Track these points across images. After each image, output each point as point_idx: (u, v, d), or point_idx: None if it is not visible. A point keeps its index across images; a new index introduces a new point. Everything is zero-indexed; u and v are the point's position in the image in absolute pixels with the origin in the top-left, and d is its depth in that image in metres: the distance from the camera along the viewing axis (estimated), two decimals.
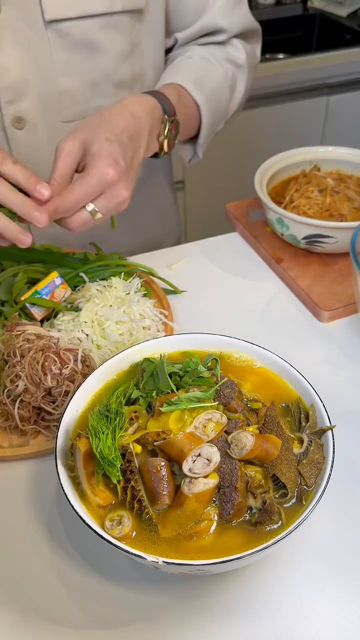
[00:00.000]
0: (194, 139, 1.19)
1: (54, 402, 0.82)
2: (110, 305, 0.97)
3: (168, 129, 1.01)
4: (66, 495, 0.64)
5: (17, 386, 0.81)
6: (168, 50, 1.22)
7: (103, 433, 0.66)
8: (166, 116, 1.01)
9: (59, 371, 0.81)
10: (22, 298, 0.96)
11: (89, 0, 0.99)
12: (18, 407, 0.81)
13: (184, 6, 1.13)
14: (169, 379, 0.71)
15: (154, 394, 0.71)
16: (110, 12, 1.02)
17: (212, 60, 1.16)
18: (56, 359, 0.82)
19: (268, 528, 0.64)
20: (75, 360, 0.84)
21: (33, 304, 0.95)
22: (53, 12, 0.98)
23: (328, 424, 0.70)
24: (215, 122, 1.17)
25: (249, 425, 0.70)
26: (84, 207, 0.87)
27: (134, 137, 0.93)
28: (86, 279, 1.01)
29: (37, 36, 1.00)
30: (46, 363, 0.82)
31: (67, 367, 0.82)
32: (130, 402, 0.72)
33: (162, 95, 1.02)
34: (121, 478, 0.65)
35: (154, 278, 1.07)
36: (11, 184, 0.82)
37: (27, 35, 0.99)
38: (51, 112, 1.09)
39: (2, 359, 0.85)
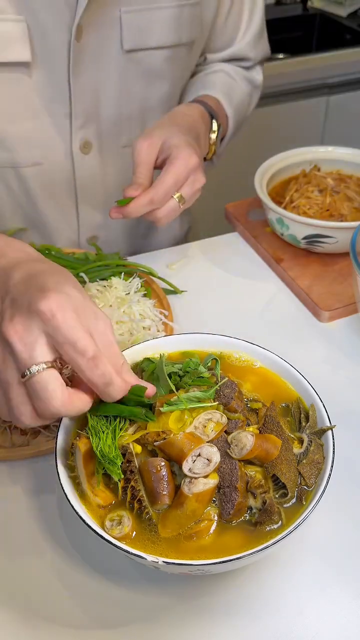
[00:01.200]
0: None
1: None
2: (110, 305, 0.97)
3: (217, 133, 1.11)
4: (66, 495, 0.64)
5: None
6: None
7: (103, 432, 0.66)
8: (214, 121, 1.10)
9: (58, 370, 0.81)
10: None
11: (161, 32, 1.05)
12: None
13: (218, 36, 1.22)
14: (168, 379, 0.71)
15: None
16: (178, 44, 1.08)
17: (236, 78, 1.24)
18: (59, 362, 0.81)
19: (268, 528, 0.64)
20: None
21: None
22: (131, 43, 1.02)
23: (328, 424, 0.70)
24: (234, 132, 1.24)
25: (249, 425, 0.70)
26: (173, 196, 0.93)
27: (197, 136, 1.01)
28: (86, 278, 1.01)
29: (113, 64, 1.03)
30: None
31: (68, 366, 0.82)
32: None
33: (206, 104, 1.11)
34: (122, 476, 0.65)
35: (154, 278, 1.07)
36: None
37: (103, 61, 1.02)
38: (113, 137, 1.12)
39: None
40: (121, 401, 0.67)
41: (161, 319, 0.99)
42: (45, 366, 0.59)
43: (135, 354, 0.79)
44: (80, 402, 0.62)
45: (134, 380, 0.65)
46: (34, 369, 0.58)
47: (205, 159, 1.09)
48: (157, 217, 0.94)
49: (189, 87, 1.21)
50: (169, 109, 1.14)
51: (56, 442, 0.69)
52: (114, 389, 0.63)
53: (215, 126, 1.11)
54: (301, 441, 0.70)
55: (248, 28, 1.23)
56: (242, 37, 1.24)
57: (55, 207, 1.16)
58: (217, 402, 0.70)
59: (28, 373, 0.58)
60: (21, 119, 1.03)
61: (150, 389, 0.67)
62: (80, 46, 0.99)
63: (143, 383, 0.66)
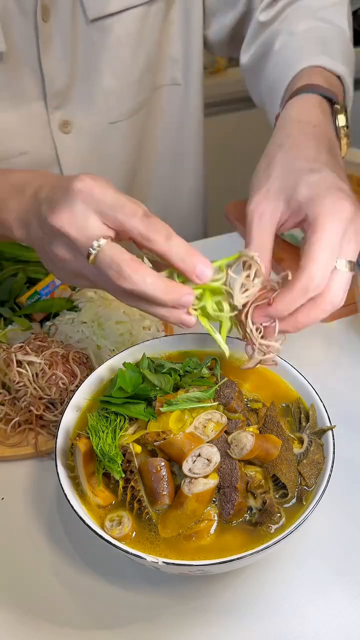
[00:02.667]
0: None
1: (53, 405, 0.82)
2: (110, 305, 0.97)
3: (346, 116, 0.80)
4: (66, 496, 0.64)
5: (23, 395, 0.82)
6: (240, 23, 1.07)
7: (103, 432, 0.66)
8: (337, 106, 0.80)
9: (64, 386, 0.81)
10: (22, 298, 0.96)
11: None
12: (20, 409, 0.82)
13: None
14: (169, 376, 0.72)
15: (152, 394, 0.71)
16: (150, 0, 0.97)
17: (316, 23, 0.95)
18: (63, 376, 0.82)
19: (268, 528, 0.64)
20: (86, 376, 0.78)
21: None
22: (95, 10, 0.95)
23: (328, 424, 0.70)
24: (353, 75, 0.93)
25: (249, 425, 0.70)
26: (335, 268, 0.65)
27: (332, 147, 0.73)
28: None
29: (82, 38, 0.98)
30: (54, 377, 0.81)
31: (74, 383, 0.82)
32: None
33: (316, 86, 0.81)
34: (123, 475, 0.65)
35: None
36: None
37: (72, 39, 0.98)
38: (98, 114, 1.07)
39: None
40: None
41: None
42: (105, 240, 0.59)
43: (135, 354, 0.79)
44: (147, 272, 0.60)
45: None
46: (95, 244, 0.58)
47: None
48: (326, 302, 0.67)
49: (270, 67, 0.95)
50: (153, 72, 1.06)
51: (56, 442, 0.69)
52: (177, 243, 0.61)
53: (341, 115, 0.80)
54: (301, 441, 0.70)
55: None
56: None
57: None
58: (217, 402, 0.70)
59: (93, 251, 0.59)
60: (1, 110, 1.00)
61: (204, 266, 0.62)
62: (48, 26, 0.94)
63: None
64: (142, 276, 0.59)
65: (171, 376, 0.73)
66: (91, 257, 0.59)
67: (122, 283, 0.59)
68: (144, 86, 1.07)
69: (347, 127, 0.80)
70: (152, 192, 1.27)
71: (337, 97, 0.82)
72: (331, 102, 0.80)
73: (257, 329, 0.66)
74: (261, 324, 0.65)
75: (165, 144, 1.21)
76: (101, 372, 0.77)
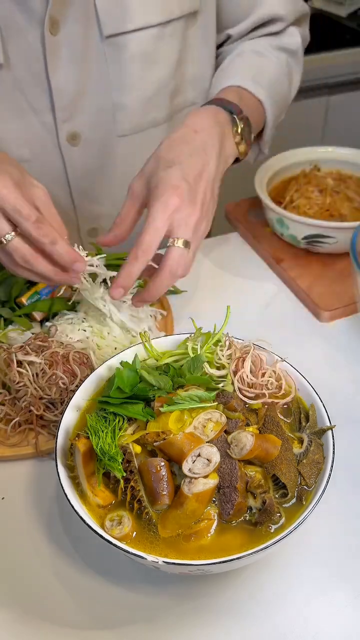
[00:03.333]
0: (257, 137, 1.12)
1: (53, 405, 0.82)
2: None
3: (241, 128, 0.96)
4: (66, 495, 0.64)
5: (23, 395, 0.81)
6: (218, 47, 1.18)
7: (102, 432, 0.66)
8: (234, 115, 0.95)
9: (64, 386, 0.81)
10: (22, 298, 0.96)
11: (146, 11, 0.97)
12: (20, 410, 0.82)
13: (234, 1, 1.08)
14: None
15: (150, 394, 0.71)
16: (168, 21, 1.00)
17: (264, 53, 1.10)
18: (63, 375, 0.82)
19: (268, 528, 0.64)
20: (86, 376, 0.79)
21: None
22: (111, 28, 0.96)
23: (328, 424, 0.70)
24: (278, 114, 1.12)
25: (248, 425, 0.70)
26: (174, 244, 0.84)
27: (198, 152, 0.88)
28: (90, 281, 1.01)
29: (94, 52, 0.99)
30: (54, 377, 0.81)
31: (74, 383, 0.82)
32: None
33: (222, 100, 0.97)
34: (124, 474, 0.65)
35: None
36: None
37: (83, 52, 0.98)
38: (106, 127, 1.07)
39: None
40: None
41: (158, 316, 0.99)
42: (10, 235, 0.79)
43: (136, 353, 0.79)
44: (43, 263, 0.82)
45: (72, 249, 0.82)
46: (4, 239, 0.80)
47: (238, 159, 1.00)
48: (165, 272, 0.84)
49: (213, 81, 1.11)
50: (170, 94, 1.08)
51: (56, 442, 0.69)
52: (61, 248, 0.80)
53: (238, 123, 0.96)
54: (301, 441, 0.70)
55: None
56: None
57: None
58: (216, 402, 0.70)
59: (3, 241, 0.80)
60: (4, 119, 1.01)
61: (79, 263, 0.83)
62: (57, 40, 0.95)
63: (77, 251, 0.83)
64: (39, 262, 0.81)
65: (167, 374, 0.73)
66: (1, 245, 0.80)
67: (23, 264, 0.81)
68: (155, 103, 1.09)
69: (242, 135, 0.97)
70: None
71: (241, 111, 0.97)
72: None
73: None
74: None
75: None
76: (101, 372, 0.77)
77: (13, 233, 0.79)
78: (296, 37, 1.16)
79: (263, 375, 0.75)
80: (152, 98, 1.08)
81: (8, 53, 0.95)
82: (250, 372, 0.74)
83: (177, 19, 1.01)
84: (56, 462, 0.67)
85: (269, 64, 1.09)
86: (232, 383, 0.73)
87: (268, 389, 0.74)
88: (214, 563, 0.59)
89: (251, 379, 0.74)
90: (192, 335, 0.79)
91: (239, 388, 0.73)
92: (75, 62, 0.98)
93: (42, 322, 0.97)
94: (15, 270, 0.84)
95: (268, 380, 0.74)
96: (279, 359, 0.77)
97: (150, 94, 1.07)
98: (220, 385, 0.73)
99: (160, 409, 0.68)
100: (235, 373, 0.74)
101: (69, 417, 0.72)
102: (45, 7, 0.92)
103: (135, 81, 1.03)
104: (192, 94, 1.14)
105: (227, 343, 0.77)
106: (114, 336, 0.93)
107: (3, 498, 0.77)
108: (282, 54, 1.13)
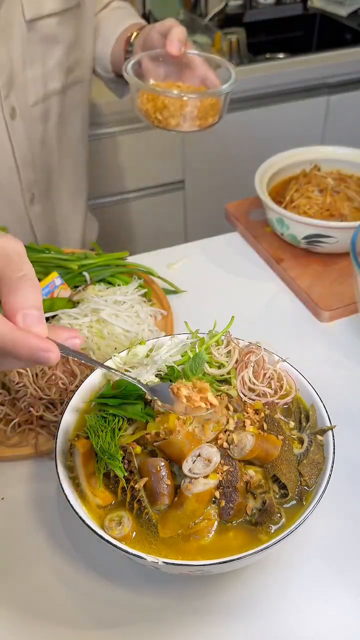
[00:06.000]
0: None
1: (53, 405, 0.82)
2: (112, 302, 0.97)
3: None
4: (66, 496, 0.64)
5: (23, 395, 0.81)
6: None
7: (102, 431, 0.66)
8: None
9: (64, 387, 0.81)
10: None
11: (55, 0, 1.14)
12: (20, 410, 0.82)
13: None
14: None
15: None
16: (69, 8, 1.17)
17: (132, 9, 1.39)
18: (63, 376, 0.82)
19: (268, 528, 0.64)
20: (86, 376, 0.78)
21: None
22: (31, 13, 1.11)
23: (328, 424, 0.70)
24: None
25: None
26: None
27: None
28: (88, 278, 1.01)
29: (19, 34, 1.12)
30: (53, 377, 0.81)
31: (74, 383, 0.82)
32: None
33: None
34: (125, 473, 0.65)
35: (154, 278, 1.07)
36: None
37: (9, 33, 1.10)
38: (23, 99, 1.18)
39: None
40: (122, 395, 0.68)
41: (157, 316, 0.99)
42: None
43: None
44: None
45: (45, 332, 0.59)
46: None
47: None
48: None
49: (107, 23, 1.31)
50: (66, 70, 1.23)
51: (56, 442, 0.69)
52: (44, 357, 0.57)
53: None
54: (301, 441, 0.70)
55: None
56: None
57: None
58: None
59: None
60: None
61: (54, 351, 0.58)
62: None
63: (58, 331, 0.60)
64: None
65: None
66: None
67: None
68: (54, 76, 1.22)
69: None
70: None
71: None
72: None
73: None
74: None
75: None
76: (101, 372, 0.77)
77: None
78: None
79: (264, 375, 0.74)
80: (52, 72, 1.21)
81: None
82: (253, 372, 0.74)
83: (72, 8, 1.19)
84: (56, 463, 0.67)
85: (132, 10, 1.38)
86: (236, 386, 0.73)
87: (270, 389, 0.74)
88: (214, 563, 0.59)
89: (253, 382, 0.73)
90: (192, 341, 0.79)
91: (240, 390, 0.73)
92: (7, 42, 1.11)
93: None
94: None
95: (269, 381, 0.74)
96: (280, 359, 0.77)
97: (50, 68, 1.20)
98: (223, 388, 0.73)
99: (160, 409, 0.68)
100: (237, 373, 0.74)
101: (69, 418, 0.72)
102: None
103: (41, 58, 1.18)
104: (79, 73, 1.28)
105: (225, 341, 0.77)
106: (114, 336, 0.93)
107: (3, 498, 0.77)
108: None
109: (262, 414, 0.71)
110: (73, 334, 0.60)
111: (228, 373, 0.75)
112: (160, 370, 0.75)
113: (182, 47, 1.04)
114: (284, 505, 0.66)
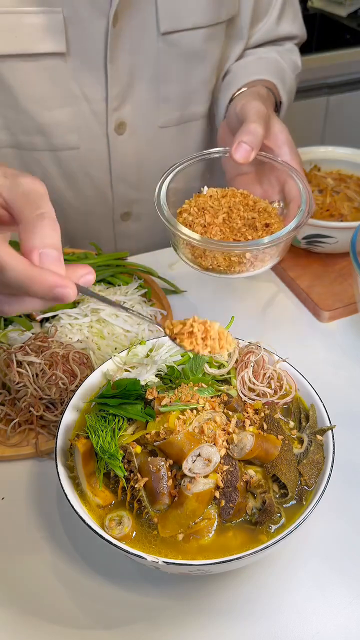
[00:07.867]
0: None
1: (53, 405, 0.82)
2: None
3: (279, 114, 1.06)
4: (66, 495, 0.64)
5: (23, 395, 0.81)
6: None
7: (102, 431, 0.66)
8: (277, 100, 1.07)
9: (64, 386, 0.81)
10: None
11: (199, 12, 1.04)
12: (20, 410, 0.82)
13: (257, 11, 1.15)
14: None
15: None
16: (216, 23, 1.06)
17: (284, 65, 1.17)
18: (63, 376, 0.82)
19: (268, 528, 0.64)
20: (86, 376, 0.79)
21: None
22: (167, 24, 1.02)
23: (328, 424, 0.70)
24: (287, 103, 1.17)
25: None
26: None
27: (265, 101, 0.99)
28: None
29: (148, 46, 1.04)
30: (54, 377, 0.81)
31: (74, 383, 0.82)
32: None
33: (268, 87, 1.05)
34: (125, 473, 0.65)
35: (154, 278, 1.07)
36: None
37: (139, 45, 1.03)
38: (150, 117, 1.12)
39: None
40: (122, 395, 0.68)
41: (156, 315, 0.99)
42: None
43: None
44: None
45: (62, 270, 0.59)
46: None
47: None
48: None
49: (238, 70, 1.14)
50: (210, 90, 1.14)
51: (56, 442, 0.69)
52: (61, 293, 0.57)
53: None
54: (301, 441, 0.70)
55: (287, 2, 1.17)
56: (282, 13, 1.18)
57: (90, 185, 1.18)
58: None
59: None
60: (58, 106, 1.05)
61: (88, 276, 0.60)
62: (117, 32, 0.99)
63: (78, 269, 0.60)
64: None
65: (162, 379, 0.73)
66: None
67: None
68: (197, 98, 1.14)
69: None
70: None
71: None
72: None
73: None
74: None
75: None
76: (101, 372, 0.77)
77: None
78: (298, 57, 1.25)
79: (264, 375, 0.75)
80: (195, 92, 1.13)
81: (70, 43, 0.99)
82: (252, 372, 0.74)
83: (222, 23, 1.08)
84: (56, 462, 0.67)
85: (289, 75, 1.17)
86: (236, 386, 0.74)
87: (270, 389, 0.74)
88: (214, 563, 0.59)
89: (253, 382, 0.74)
90: None
91: (240, 390, 0.73)
92: (133, 54, 1.03)
93: (42, 322, 0.97)
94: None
95: (269, 381, 0.74)
96: (280, 359, 0.77)
97: (193, 89, 1.12)
98: (223, 388, 0.73)
99: (160, 408, 0.68)
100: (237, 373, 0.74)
101: (69, 418, 0.72)
102: (111, 1, 0.96)
103: (181, 76, 1.09)
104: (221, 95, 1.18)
105: None
106: (114, 336, 0.93)
107: (3, 498, 0.77)
108: (295, 69, 1.22)
109: (262, 414, 0.71)
110: (88, 270, 0.59)
111: (228, 373, 0.75)
112: (160, 370, 0.75)
113: (252, 153, 0.83)
114: (284, 505, 0.66)
